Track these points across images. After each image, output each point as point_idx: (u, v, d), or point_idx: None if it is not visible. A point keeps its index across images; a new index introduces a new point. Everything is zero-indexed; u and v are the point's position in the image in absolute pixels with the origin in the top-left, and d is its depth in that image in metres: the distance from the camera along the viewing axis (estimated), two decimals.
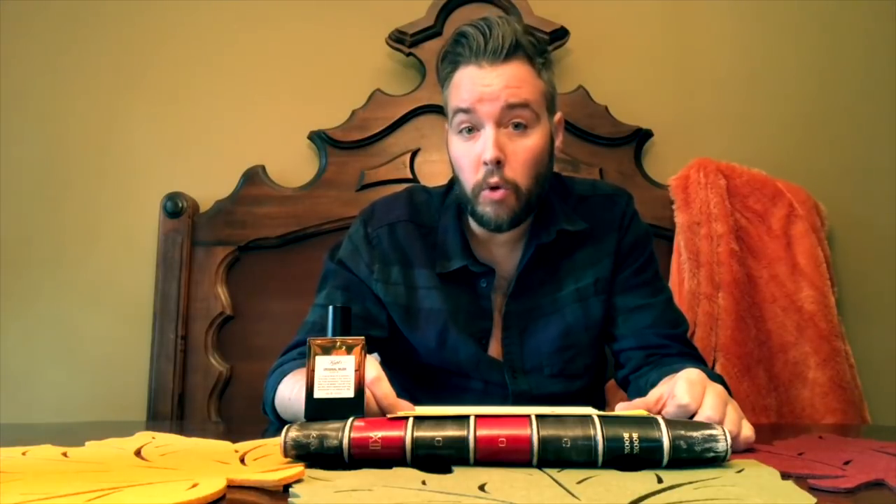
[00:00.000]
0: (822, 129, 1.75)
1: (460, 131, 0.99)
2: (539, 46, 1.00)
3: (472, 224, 1.06)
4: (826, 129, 1.75)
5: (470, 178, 0.99)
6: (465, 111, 0.97)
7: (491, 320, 1.07)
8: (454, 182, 1.07)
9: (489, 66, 0.96)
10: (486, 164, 0.95)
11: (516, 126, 0.97)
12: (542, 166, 1.00)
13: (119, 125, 1.69)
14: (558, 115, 1.06)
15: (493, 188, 0.96)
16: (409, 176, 1.65)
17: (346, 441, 0.58)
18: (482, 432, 0.58)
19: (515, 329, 1.06)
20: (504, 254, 1.07)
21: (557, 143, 1.06)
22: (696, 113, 1.74)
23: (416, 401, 0.76)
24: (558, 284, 1.07)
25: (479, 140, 0.97)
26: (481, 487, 0.50)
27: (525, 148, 0.97)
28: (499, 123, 0.96)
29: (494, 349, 1.07)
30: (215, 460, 0.62)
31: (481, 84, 0.96)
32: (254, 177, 1.63)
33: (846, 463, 0.65)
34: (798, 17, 1.78)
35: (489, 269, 1.06)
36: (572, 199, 1.10)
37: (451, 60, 1.01)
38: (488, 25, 0.97)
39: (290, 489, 0.50)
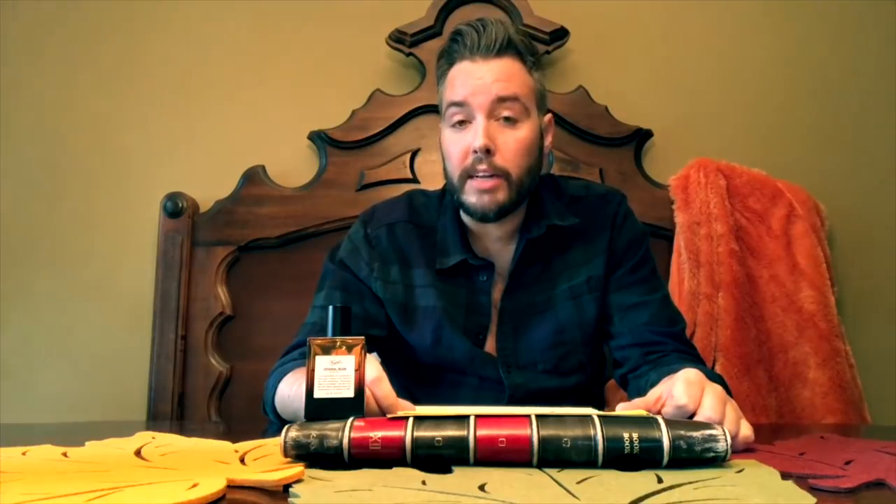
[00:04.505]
0: (821, 129, 1.75)
1: (453, 124, 1.02)
2: (530, 47, 1.04)
3: (467, 219, 1.07)
4: (826, 129, 1.75)
5: (458, 167, 1.01)
6: (458, 104, 1.00)
7: (488, 316, 1.07)
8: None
9: (482, 60, 1.00)
10: (475, 151, 0.98)
11: (507, 119, 1.00)
12: (532, 159, 1.03)
13: (119, 125, 1.69)
14: (548, 116, 1.09)
15: (483, 177, 0.99)
16: (409, 176, 1.65)
17: (346, 441, 0.58)
18: (482, 432, 0.58)
19: (510, 325, 1.07)
20: (499, 249, 1.08)
21: (547, 142, 1.08)
22: (696, 113, 1.74)
23: (413, 398, 0.76)
24: (552, 282, 1.08)
25: (469, 131, 1.00)
26: (481, 487, 0.50)
27: (515, 139, 1.00)
28: (489, 115, 0.99)
29: (490, 345, 1.08)
30: (215, 460, 0.62)
31: (474, 77, 0.99)
32: (254, 177, 1.63)
33: (847, 463, 0.65)
34: (798, 16, 1.78)
35: (488, 263, 1.07)
36: (565, 199, 1.12)
37: (447, 58, 1.05)
38: (482, 24, 1.01)
39: (290, 489, 0.50)
